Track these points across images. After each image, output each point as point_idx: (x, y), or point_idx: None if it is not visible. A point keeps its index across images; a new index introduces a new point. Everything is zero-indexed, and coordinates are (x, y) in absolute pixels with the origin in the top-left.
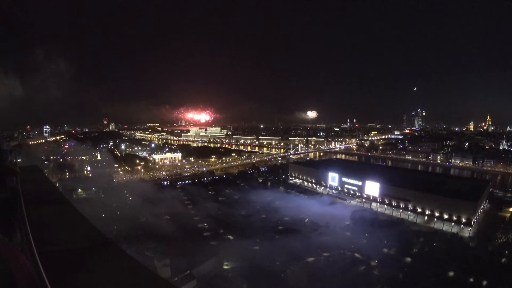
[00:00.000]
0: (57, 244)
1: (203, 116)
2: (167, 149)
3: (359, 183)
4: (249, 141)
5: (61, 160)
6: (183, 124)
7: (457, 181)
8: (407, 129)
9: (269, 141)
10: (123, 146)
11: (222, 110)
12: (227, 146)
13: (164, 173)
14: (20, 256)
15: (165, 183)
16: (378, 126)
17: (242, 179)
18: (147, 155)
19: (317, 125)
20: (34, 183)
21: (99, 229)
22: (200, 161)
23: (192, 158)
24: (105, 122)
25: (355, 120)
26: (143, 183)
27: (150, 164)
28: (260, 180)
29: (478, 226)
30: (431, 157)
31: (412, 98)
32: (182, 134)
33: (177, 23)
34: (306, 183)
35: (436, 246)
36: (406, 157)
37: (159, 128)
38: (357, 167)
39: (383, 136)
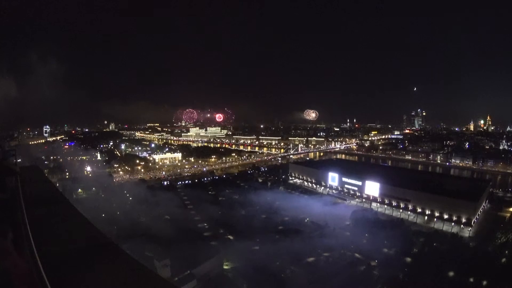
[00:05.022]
0: (57, 244)
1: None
2: (167, 149)
3: (359, 183)
4: (249, 141)
5: (61, 160)
6: (183, 124)
7: (457, 181)
8: (407, 129)
9: (269, 141)
10: (123, 146)
11: (222, 110)
12: (227, 146)
13: (164, 173)
14: (14, 255)
15: (165, 183)
16: (378, 126)
17: (242, 179)
18: (147, 155)
19: (317, 125)
20: (34, 183)
21: (99, 229)
22: (200, 161)
23: (192, 158)
24: (105, 122)
25: (355, 120)
26: (143, 183)
27: (150, 164)
28: (260, 180)
29: (478, 226)
30: (431, 157)
31: (412, 98)
32: (182, 134)
33: (178, 23)
34: (306, 183)
35: (436, 246)
36: (406, 157)
37: (159, 128)
38: (357, 167)
39: (383, 136)
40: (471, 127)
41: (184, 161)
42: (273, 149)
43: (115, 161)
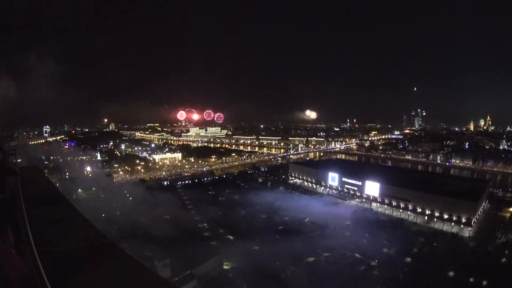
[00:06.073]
0: (57, 244)
1: (207, 115)
2: (167, 149)
3: (359, 183)
4: (249, 141)
5: (61, 160)
6: (183, 124)
7: (457, 181)
8: (407, 129)
9: (269, 141)
10: (123, 146)
11: (222, 110)
12: (227, 146)
13: (164, 173)
14: (13, 256)
15: (165, 183)
16: (378, 126)
17: (242, 179)
18: (147, 155)
19: (317, 125)
20: (34, 183)
21: (99, 229)
22: (200, 161)
23: (192, 158)
24: (105, 122)
25: (355, 120)
26: (143, 183)
27: (150, 164)
28: (260, 180)
29: (478, 226)
30: (431, 157)
31: (412, 98)
32: (182, 134)
33: (178, 22)
34: (306, 183)
35: (436, 246)
36: (406, 157)
37: (159, 128)
38: (357, 167)
39: (383, 136)
40: (471, 127)
41: (184, 161)
42: (273, 149)
43: (115, 161)
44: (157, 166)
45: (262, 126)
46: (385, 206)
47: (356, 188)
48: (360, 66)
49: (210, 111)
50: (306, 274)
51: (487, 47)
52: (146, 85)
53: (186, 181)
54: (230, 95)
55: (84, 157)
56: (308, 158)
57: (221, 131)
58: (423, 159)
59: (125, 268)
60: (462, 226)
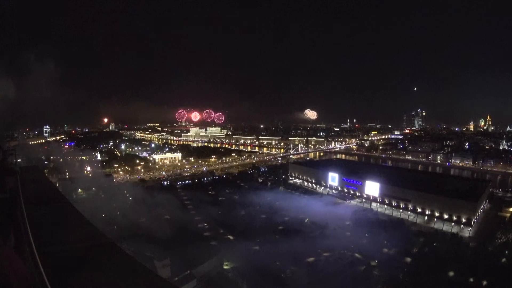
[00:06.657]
0: (57, 244)
1: (209, 116)
2: (167, 149)
3: (359, 183)
4: (249, 141)
5: (61, 160)
6: (183, 124)
7: (457, 181)
8: (407, 129)
9: (269, 141)
10: (123, 146)
11: (222, 110)
12: (227, 146)
13: (164, 173)
14: (13, 257)
15: (165, 183)
16: (378, 126)
17: (242, 179)
18: (147, 155)
19: (317, 125)
20: (34, 183)
21: (99, 229)
22: (200, 161)
23: (192, 158)
24: (105, 122)
25: (355, 120)
26: (143, 183)
27: (150, 164)
28: (260, 180)
29: (478, 226)
30: (431, 157)
31: (412, 98)
32: (182, 134)
33: (177, 22)
34: (306, 183)
35: (436, 246)
36: (406, 157)
37: (159, 128)
38: (357, 167)
39: (383, 136)
40: (471, 127)
41: (184, 161)
42: (273, 149)
43: (115, 161)
44: (157, 166)
45: (262, 126)
46: (385, 206)
47: (356, 188)
48: (360, 66)
49: (210, 111)
50: (306, 274)
51: (487, 47)
52: (146, 85)
53: (186, 181)
54: (230, 95)
55: (84, 157)
56: (308, 158)
57: (221, 131)
58: (423, 159)
59: (125, 268)
60: (462, 226)
